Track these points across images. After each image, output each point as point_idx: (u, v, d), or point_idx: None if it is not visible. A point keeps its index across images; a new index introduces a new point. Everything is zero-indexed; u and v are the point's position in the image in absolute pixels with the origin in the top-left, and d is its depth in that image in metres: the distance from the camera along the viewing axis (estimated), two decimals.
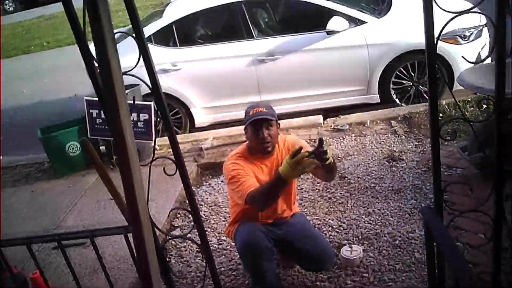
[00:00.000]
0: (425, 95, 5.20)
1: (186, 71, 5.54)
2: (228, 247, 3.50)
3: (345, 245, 3.20)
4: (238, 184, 2.68)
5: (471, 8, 1.60)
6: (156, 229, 2.16)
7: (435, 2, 1.61)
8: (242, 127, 5.26)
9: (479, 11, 1.88)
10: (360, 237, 3.34)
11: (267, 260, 2.78)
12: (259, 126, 2.72)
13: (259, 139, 2.75)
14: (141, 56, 1.78)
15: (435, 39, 1.66)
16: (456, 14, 1.61)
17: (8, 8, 21.84)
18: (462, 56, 2.32)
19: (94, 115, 4.71)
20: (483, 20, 5.09)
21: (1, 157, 6.25)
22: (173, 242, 3.73)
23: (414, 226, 3.32)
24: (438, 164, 1.87)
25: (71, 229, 4.14)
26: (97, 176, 3.82)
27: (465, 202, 3.22)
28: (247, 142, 2.89)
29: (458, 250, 1.79)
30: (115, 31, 1.52)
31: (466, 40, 5.07)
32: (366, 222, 3.48)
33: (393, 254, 3.12)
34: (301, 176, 3.93)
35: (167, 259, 3.50)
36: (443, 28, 1.63)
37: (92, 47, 1.60)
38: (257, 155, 2.83)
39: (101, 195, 4.48)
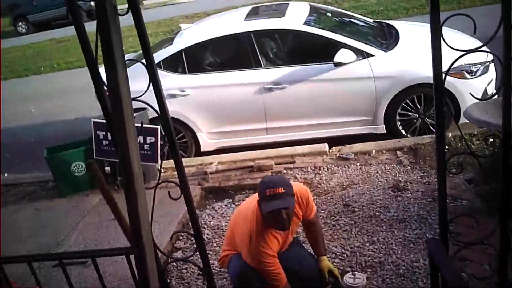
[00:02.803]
0: (431, 128, 5.21)
1: (194, 96, 5.58)
2: None
3: (348, 272, 3.17)
4: (270, 273, 2.72)
5: (480, 47, 1.62)
6: (158, 251, 2.15)
7: (444, 41, 1.64)
8: (247, 152, 5.36)
9: (487, 49, 1.91)
10: (363, 265, 3.32)
11: None
12: (278, 215, 2.61)
13: (277, 226, 2.70)
14: (150, 83, 1.81)
15: (443, 75, 1.68)
16: (465, 52, 1.64)
17: (21, 30, 22.17)
18: (470, 93, 2.35)
19: (101, 136, 4.70)
20: (490, 56, 5.13)
21: (5, 175, 6.27)
22: (174, 263, 3.71)
23: (419, 256, 3.29)
24: (444, 195, 1.88)
25: (73, 248, 4.13)
26: (101, 197, 3.82)
27: (471, 233, 3.19)
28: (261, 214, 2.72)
29: (463, 281, 1.78)
30: (125, 56, 1.55)
31: (473, 76, 5.09)
32: (370, 250, 3.46)
33: (396, 282, 3.10)
34: None
35: (168, 280, 3.47)
36: (451, 65, 1.65)
37: (102, 70, 1.63)
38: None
39: (104, 215, 4.47)
